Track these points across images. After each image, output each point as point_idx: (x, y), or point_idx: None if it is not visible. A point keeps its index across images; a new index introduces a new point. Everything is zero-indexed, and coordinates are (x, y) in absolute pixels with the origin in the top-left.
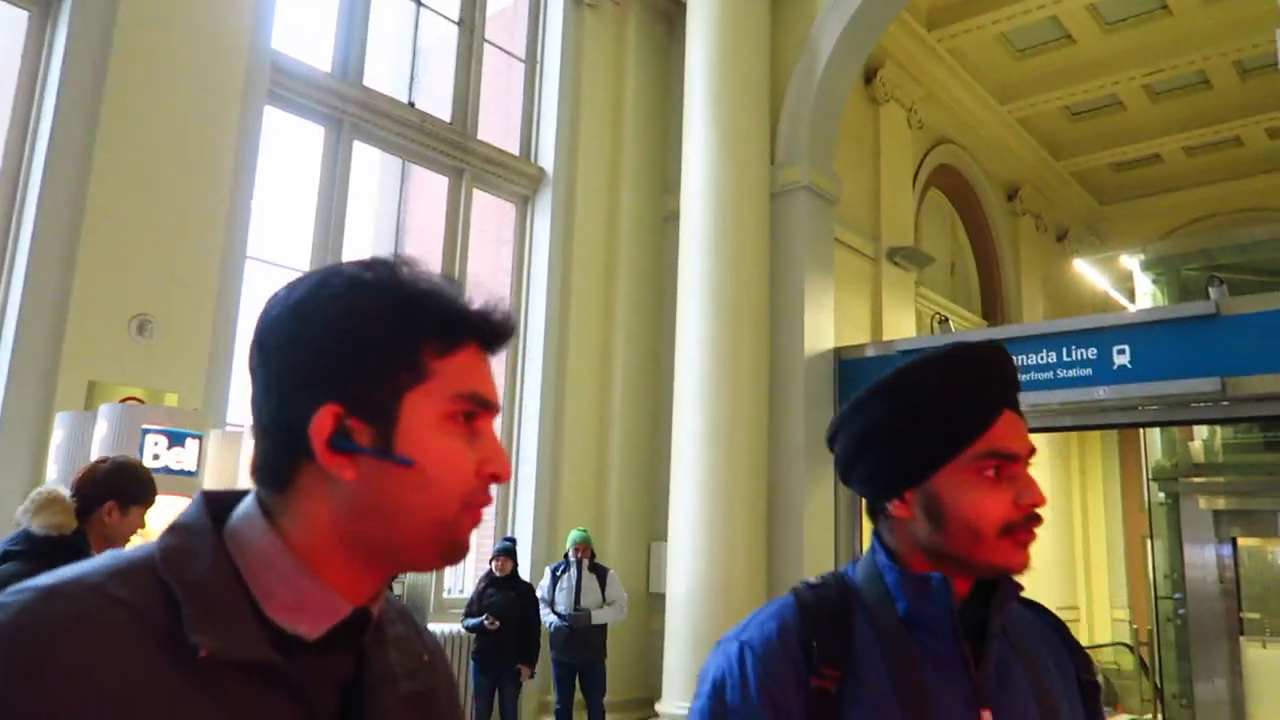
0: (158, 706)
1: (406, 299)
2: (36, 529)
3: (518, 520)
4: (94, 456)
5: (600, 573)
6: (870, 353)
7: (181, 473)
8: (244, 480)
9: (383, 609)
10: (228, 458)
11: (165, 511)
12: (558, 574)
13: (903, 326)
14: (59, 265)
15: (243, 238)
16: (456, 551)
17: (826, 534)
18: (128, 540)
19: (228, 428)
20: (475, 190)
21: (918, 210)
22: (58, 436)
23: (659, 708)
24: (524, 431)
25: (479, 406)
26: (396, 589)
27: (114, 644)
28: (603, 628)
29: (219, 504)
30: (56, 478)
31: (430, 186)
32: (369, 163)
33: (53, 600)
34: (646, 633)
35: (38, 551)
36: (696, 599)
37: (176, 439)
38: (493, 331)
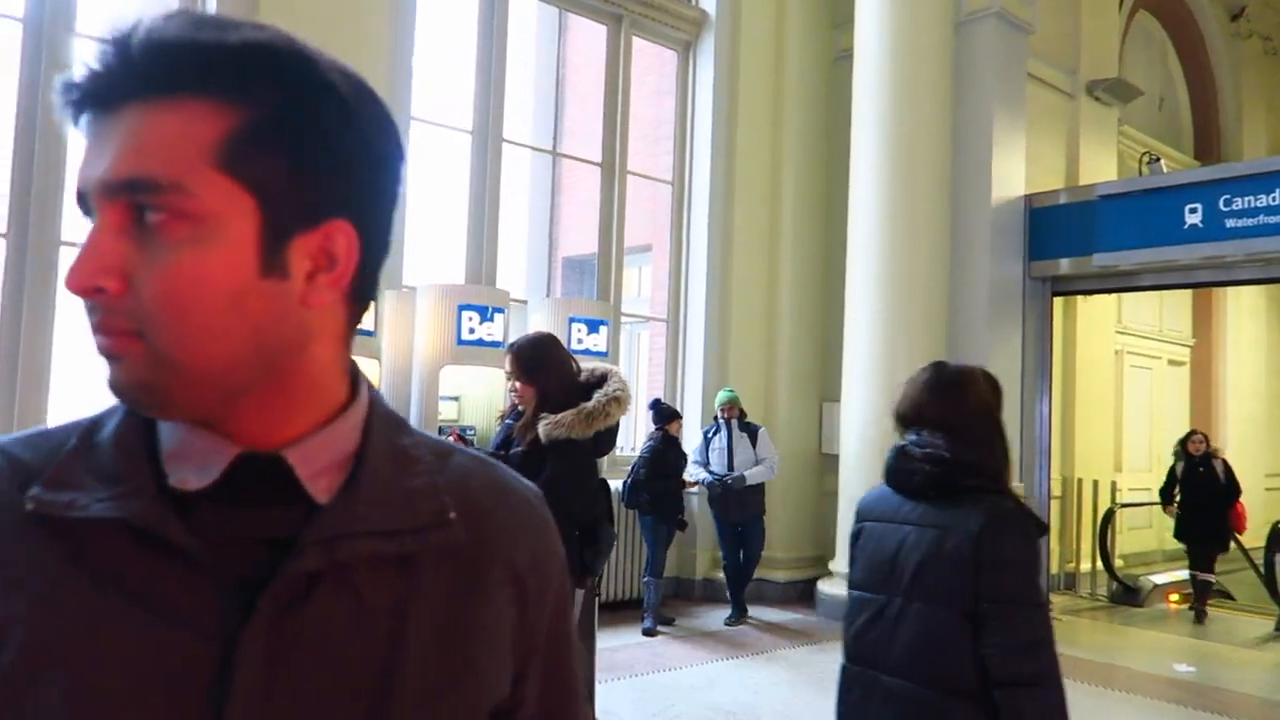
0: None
1: None
2: None
3: (687, 382)
4: None
5: (751, 431)
6: (1064, 199)
7: (361, 333)
8: (420, 340)
9: (366, 453)
10: (402, 317)
11: None
12: (709, 436)
13: (1102, 169)
14: None
15: (406, 99)
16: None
17: (1011, 396)
18: None
19: (403, 288)
20: (634, 38)
21: (1123, 37)
22: None
23: (831, 566)
24: (690, 292)
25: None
26: None
27: None
28: (760, 487)
29: None
30: None
31: (589, 38)
32: (526, 15)
33: None
34: (819, 493)
35: None
36: (870, 460)
37: None
38: (74, 89)
